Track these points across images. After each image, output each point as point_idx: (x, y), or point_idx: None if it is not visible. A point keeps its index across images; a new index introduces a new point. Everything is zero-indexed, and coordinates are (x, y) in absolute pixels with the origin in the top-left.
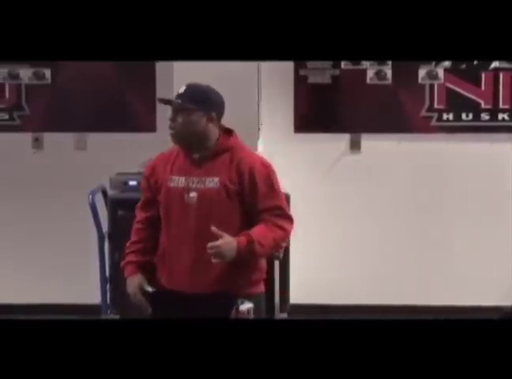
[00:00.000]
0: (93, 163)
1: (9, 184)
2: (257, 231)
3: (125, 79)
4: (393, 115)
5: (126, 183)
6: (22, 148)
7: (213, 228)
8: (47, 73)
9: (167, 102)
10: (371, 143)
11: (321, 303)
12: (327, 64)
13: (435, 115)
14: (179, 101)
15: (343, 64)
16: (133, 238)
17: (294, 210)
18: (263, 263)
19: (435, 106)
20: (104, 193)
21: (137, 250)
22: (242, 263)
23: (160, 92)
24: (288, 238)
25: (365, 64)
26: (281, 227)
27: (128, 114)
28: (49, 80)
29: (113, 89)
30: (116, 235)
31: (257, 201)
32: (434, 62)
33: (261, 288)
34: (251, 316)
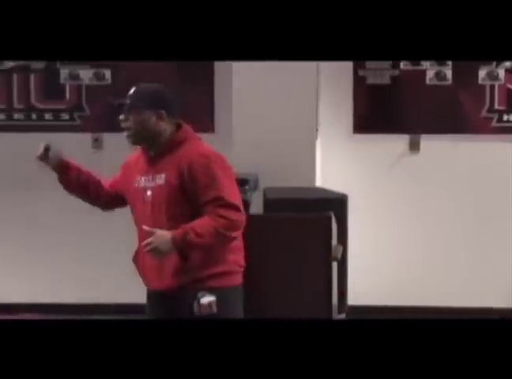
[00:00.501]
0: None
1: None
2: (196, 222)
3: (183, 79)
4: (452, 116)
5: None
6: (82, 148)
7: (144, 227)
8: (107, 73)
9: (117, 104)
10: (430, 143)
11: (380, 305)
12: (386, 64)
13: (496, 116)
14: (128, 101)
15: (402, 64)
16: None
17: (352, 210)
18: (233, 256)
19: (496, 107)
20: None
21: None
22: (200, 256)
23: (219, 93)
24: (235, 226)
25: (425, 64)
26: (223, 216)
27: (186, 114)
28: (109, 81)
29: (172, 90)
30: None
31: (198, 194)
32: (494, 63)
33: (229, 281)
34: (214, 309)
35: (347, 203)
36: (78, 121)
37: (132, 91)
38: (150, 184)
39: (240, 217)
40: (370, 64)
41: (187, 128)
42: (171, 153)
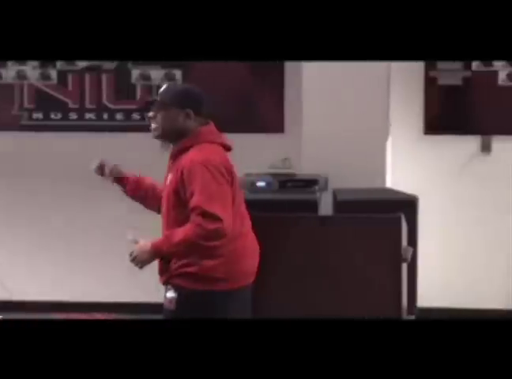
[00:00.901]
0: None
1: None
2: (176, 231)
3: (254, 79)
4: None
5: (253, 184)
6: (153, 147)
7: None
8: (178, 74)
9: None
10: (502, 145)
11: (449, 306)
12: (458, 65)
13: None
14: (157, 99)
15: (474, 65)
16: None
17: (422, 211)
18: (211, 262)
19: None
20: None
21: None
22: (176, 257)
23: (289, 93)
24: (211, 237)
25: (497, 65)
26: (199, 226)
27: (256, 114)
28: (180, 81)
29: (242, 90)
30: None
31: (187, 200)
32: None
33: (195, 284)
34: (172, 306)
35: (417, 204)
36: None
37: (162, 89)
38: (167, 182)
39: (217, 227)
40: (441, 65)
41: (204, 130)
42: (182, 154)
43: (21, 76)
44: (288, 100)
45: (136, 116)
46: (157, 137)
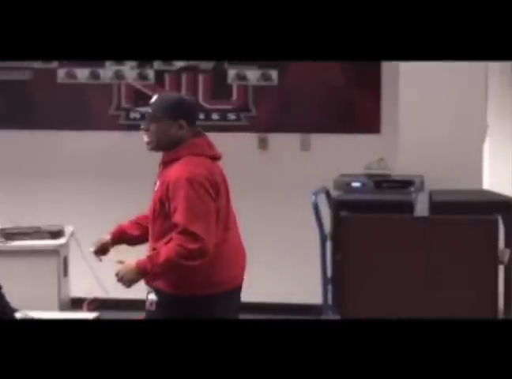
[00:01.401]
0: (316, 164)
1: (235, 183)
2: (159, 251)
3: (350, 80)
4: None
5: (349, 184)
6: (248, 148)
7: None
8: (274, 74)
9: (137, 111)
10: None
11: None
12: None
13: None
14: (149, 110)
15: None
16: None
17: None
18: (193, 271)
19: None
20: (327, 193)
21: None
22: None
23: (386, 93)
24: (193, 256)
25: None
26: (181, 246)
27: (353, 115)
28: (275, 82)
29: (338, 90)
30: (338, 236)
31: (172, 215)
32: None
33: (175, 290)
34: (153, 307)
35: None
36: (245, 122)
37: (153, 100)
38: (155, 188)
39: (198, 246)
40: None
41: (196, 142)
42: (171, 164)
43: (119, 76)
44: (385, 101)
45: (231, 116)
46: (152, 149)
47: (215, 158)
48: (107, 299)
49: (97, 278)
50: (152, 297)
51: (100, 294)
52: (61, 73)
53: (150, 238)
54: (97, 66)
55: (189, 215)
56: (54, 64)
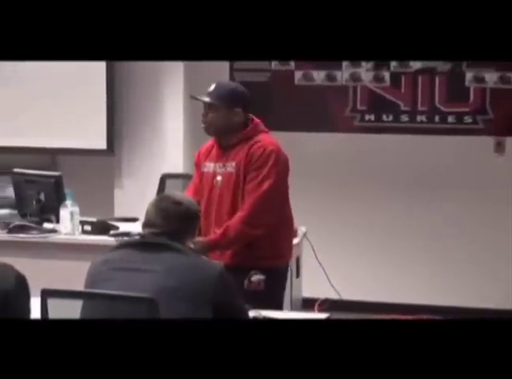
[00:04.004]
0: None
1: (469, 186)
2: (228, 227)
3: None
4: None
5: None
6: (484, 151)
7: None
8: None
9: (197, 99)
10: None
11: None
12: None
13: None
14: (208, 99)
15: None
16: None
17: None
18: (282, 242)
19: None
20: None
21: None
22: (251, 242)
23: None
24: (251, 234)
25: None
26: (244, 223)
27: None
28: None
29: None
30: None
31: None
32: None
33: (276, 263)
34: (262, 286)
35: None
36: (481, 125)
37: (211, 88)
38: (221, 170)
39: (259, 233)
40: None
41: (258, 122)
42: (243, 144)
43: (355, 78)
44: None
45: (468, 119)
46: (209, 133)
47: None
48: (338, 300)
49: (329, 279)
50: (259, 277)
51: (332, 295)
52: (298, 74)
53: (229, 209)
54: (334, 68)
55: (264, 186)
56: (292, 66)
